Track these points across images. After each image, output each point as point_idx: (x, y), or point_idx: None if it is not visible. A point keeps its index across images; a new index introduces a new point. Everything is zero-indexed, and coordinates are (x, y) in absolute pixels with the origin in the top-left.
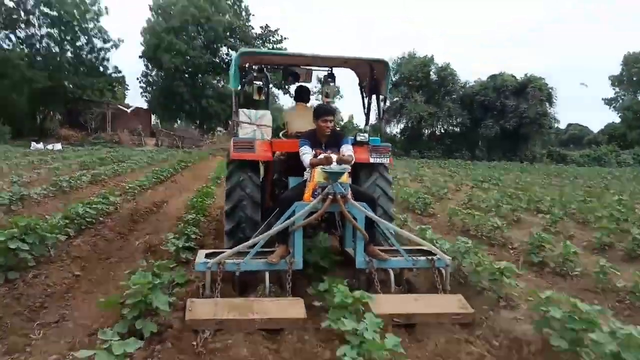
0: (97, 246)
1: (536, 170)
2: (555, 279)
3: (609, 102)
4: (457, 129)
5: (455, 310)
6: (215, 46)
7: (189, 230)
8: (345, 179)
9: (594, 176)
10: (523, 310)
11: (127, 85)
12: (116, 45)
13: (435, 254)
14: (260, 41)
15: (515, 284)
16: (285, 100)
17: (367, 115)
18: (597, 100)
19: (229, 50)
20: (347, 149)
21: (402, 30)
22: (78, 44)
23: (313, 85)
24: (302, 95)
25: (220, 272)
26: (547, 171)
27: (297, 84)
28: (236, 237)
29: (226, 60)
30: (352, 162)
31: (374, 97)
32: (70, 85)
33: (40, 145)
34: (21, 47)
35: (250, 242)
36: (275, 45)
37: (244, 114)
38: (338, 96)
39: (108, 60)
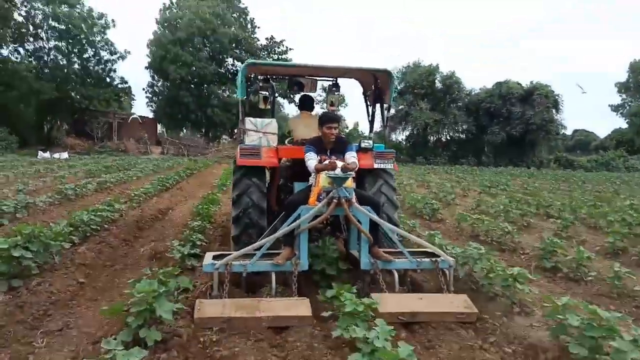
0: (102, 253)
1: (543, 175)
2: (568, 284)
3: (615, 108)
4: (463, 136)
5: (460, 309)
6: (220, 57)
7: (194, 237)
8: (350, 183)
9: (602, 181)
10: (538, 316)
11: (134, 96)
12: (123, 57)
13: (439, 256)
14: (266, 52)
15: (529, 290)
16: (290, 109)
17: (372, 123)
18: (602, 107)
19: (235, 61)
20: (350, 156)
21: (402, 30)
22: (85, 56)
23: (318, 94)
24: (306, 104)
25: (227, 273)
26: (555, 176)
27: (302, 94)
28: (243, 242)
29: (232, 70)
30: (356, 168)
31: (378, 105)
32: (77, 96)
33: (47, 154)
34: (29, 59)
35: (256, 244)
36: (280, 56)
37: (250, 122)
38: (343, 104)
39: (115, 71)
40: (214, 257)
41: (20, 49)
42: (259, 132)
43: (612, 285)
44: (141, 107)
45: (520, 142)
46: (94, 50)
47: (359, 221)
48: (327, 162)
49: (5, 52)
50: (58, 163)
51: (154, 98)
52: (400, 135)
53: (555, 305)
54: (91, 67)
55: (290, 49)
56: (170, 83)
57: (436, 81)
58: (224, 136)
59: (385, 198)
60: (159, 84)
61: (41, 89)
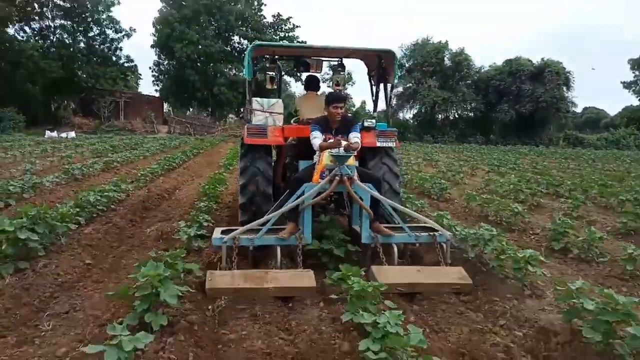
0: (108, 234)
1: (553, 154)
2: (580, 265)
3: (628, 85)
4: (471, 114)
5: (455, 280)
6: (227, 35)
7: (200, 218)
8: (352, 161)
9: (612, 159)
10: (549, 299)
11: (140, 74)
12: (128, 35)
13: (437, 230)
14: (272, 30)
15: (541, 273)
16: (297, 88)
17: (375, 102)
18: (613, 84)
19: (241, 39)
20: (354, 136)
21: (402, 30)
22: (91, 34)
23: (324, 73)
24: (312, 84)
25: (235, 247)
26: (565, 155)
27: (308, 74)
28: (250, 211)
29: (238, 48)
30: (358, 148)
31: (382, 85)
32: (84, 75)
33: (54, 134)
34: (35, 38)
35: (262, 219)
36: (287, 34)
37: (256, 102)
38: (350, 82)
39: (120, 49)
40: (222, 232)
41: (26, 28)
42: (266, 112)
43: (624, 267)
44: (147, 86)
45: (529, 120)
46: (99, 28)
47: (360, 198)
48: (331, 140)
49: (11, 31)
50: (65, 142)
51: (160, 77)
52: (407, 114)
53: (568, 289)
54: (97, 46)
55: (297, 27)
56: (176, 62)
57: (445, 58)
58: (230, 115)
59: (386, 168)
60: (165, 63)
61: (47, 68)
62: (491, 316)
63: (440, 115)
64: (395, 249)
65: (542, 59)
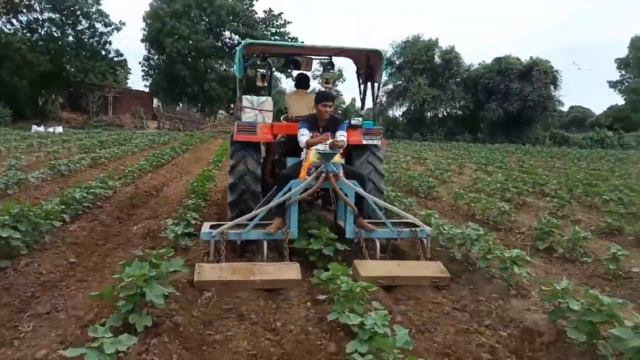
0: (94, 232)
1: (539, 152)
2: (564, 265)
3: (614, 84)
4: (460, 112)
5: (434, 274)
6: (218, 30)
7: (188, 215)
8: (338, 159)
9: (597, 159)
10: (534, 298)
11: (129, 69)
12: (118, 29)
13: (418, 226)
14: (264, 25)
15: (526, 273)
16: (288, 84)
17: (363, 100)
18: (599, 83)
19: (232, 34)
20: (340, 134)
21: (401, 29)
22: (79, 27)
23: (315, 70)
24: (302, 82)
25: (223, 241)
26: (551, 153)
27: (298, 72)
28: (239, 208)
29: (229, 44)
30: (344, 146)
31: (369, 84)
32: (72, 69)
33: (41, 129)
34: (23, 31)
35: (250, 214)
36: (278, 29)
37: (246, 99)
38: (341, 79)
39: (110, 43)
40: (211, 227)
41: (14, 21)
42: (255, 110)
43: (607, 266)
44: (137, 81)
45: (516, 118)
46: (88, 22)
47: (345, 194)
48: (319, 137)
49: None
50: (52, 137)
51: (150, 72)
52: (397, 111)
53: (554, 289)
54: (85, 40)
55: (289, 22)
56: (167, 56)
57: (435, 56)
58: (220, 111)
59: (371, 167)
60: (155, 58)
61: (35, 61)
62: (477, 316)
63: (429, 113)
64: (378, 244)
65: (531, 57)
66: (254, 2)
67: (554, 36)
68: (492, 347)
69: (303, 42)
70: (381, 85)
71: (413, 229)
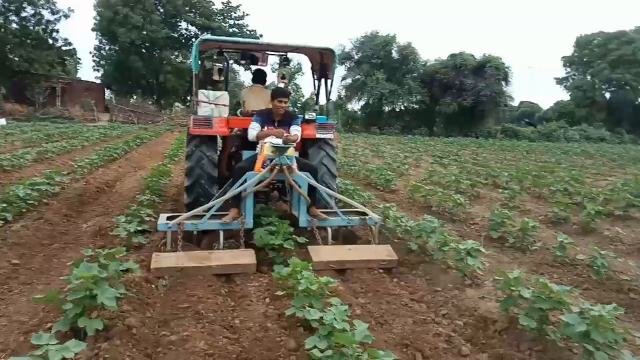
0: (39, 231)
1: (491, 145)
2: (515, 254)
3: (560, 81)
4: (417, 106)
5: (382, 257)
6: (174, 21)
7: (142, 212)
8: (291, 152)
9: (544, 151)
10: (488, 287)
11: (79, 59)
12: (66, 16)
13: (367, 214)
14: (222, 17)
15: (480, 264)
16: (247, 76)
17: (317, 95)
18: (548, 80)
19: (189, 25)
20: (294, 129)
21: (361, 24)
22: (24, 14)
23: (275, 63)
24: (258, 77)
25: (180, 231)
26: (502, 146)
27: (255, 67)
28: (195, 192)
29: (185, 35)
30: (297, 140)
31: (323, 80)
32: (16, 58)
33: None
34: None
35: (206, 205)
36: (236, 21)
37: (203, 94)
38: (300, 73)
39: (57, 32)
40: (168, 218)
41: None
42: (212, 104)
43: (555, 254)
44: (88, 72)
45: (470, 113)
46: (33, 8)
47: (299, 185)
48: (266, 130)
49: None
50: None
51: (101, 62)
52: (356, 105)
53: (506, 278)
54: (31, 27)
55: (247, 15)
56: (119, 47)
57: (393, 51)
58: (176, 103)
59: (325, 169)
60: (107, 48)
61: None
62: (434, 306)
63: (387, 107)
64: (330, 231)
65: (484, 54)
66: None
67: (506, 34)
68: (448, 336)
69: (262, 35)
70: (340, 80)
71: (362, 217)
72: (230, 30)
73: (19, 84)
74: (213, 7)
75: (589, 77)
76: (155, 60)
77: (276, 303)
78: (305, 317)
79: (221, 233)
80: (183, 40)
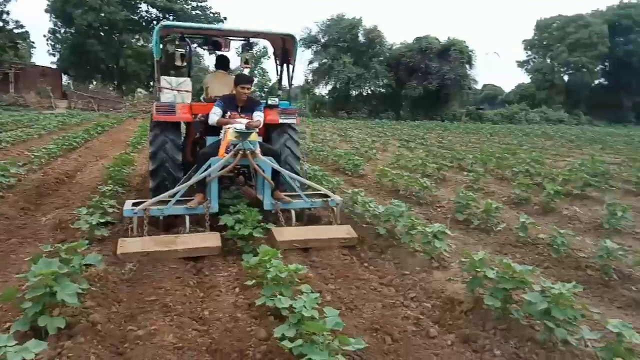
0: None
1: (456, 128)
2: (480, 235)
3: (521, 64)
4: (383, 90)
5: (342, 235)
6: (133, 2)
7: (105, 203)
8: (254, 137)
9: (507, 133)
10: (455, 269)
11: (33, 43)
12: None
13: (329, 196)
14: None
15: (447, 246)
16: (211, 60)
17: (280, 81)
18: (511, 63)
19: (149, 7)
20: (257, 115)
21: (327, 6)
22: None
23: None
24: (221, 63)
25: (146, 216)
26: (467, 129)
27: (218, 53)
28: (160, 176)
29: (146, 17)
30: (260, 125)
31: (286, 66)
32: None
33: None
34: None
35: (171, 191)
36: (199, 3)
37: (165, 80)
38: (266, 57)
39: (8, 13)
40: (133, 204)
41: None
42: (174, 90)
43: (517, 234)
44: (43, 57)
45: (435, 96)
46: None
47: (263, 170)
48: (228, 116)
49: None
50: None
51: (57, 46)
52: (323, 90)
53: (472, 260)
54: None
55: None
56: (76, 30)
57: (359, 35)
58: (139, 89)
59: (289, 151)
60: (62, 31)
61: None
62: (402, 290)
63: (354, 92)
64: (293, 213)
65: (449, 37)
66: None
67: (470, 17)
68: (416, 319)
69: (226, 17)
70: (306, 64)
71: (325, 199)
72: (193, 12)
73: None
74: None
75: (548, 60)
76: (114, 43)
77: (246, 293)
78: (276, 305)
79: (187, 218)
80: (144, 23)
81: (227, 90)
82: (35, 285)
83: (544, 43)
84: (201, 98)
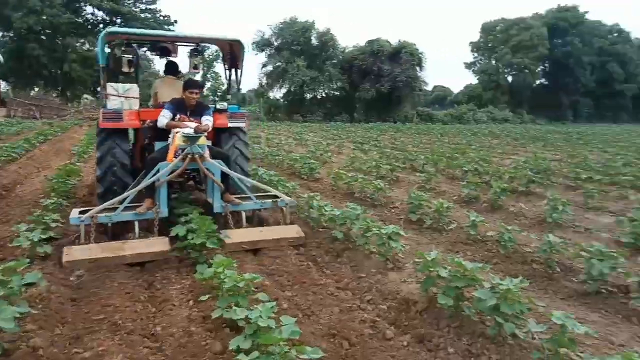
0: None
1: (408, 129)
2: (433, 234)
3: (469, 66)
4: (337, 93)
5: (290, 235)
6: (77, 5)
7: (47, 218)
8: (203, 141)
9: (456, 133)
10: (409, 270)
11: None
12: None
13: (279, 197)
14: (132, 1)
15: (401, 247)
16: (162, 64)
17: (229, 85)
18: (459, 64)
19: (95, 9)
20: (206, 119)
21: (279, 10)
22: None
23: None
24: (170, 69)
25: (93, 224)
26: (418, 130)
27: (167, 59)
28: (108, 199)
29: (91, 20)
30: (208, 129)
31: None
32: None
33: None
34: None
35: (119, 197)
36: (148, 6)
37: (111, 87)
38: (218, 60)
39: None
40: (80, 212)
41: None
42: (121, 97)
43: (468, 232)
44: None
45: (388, 98)
46: None
47: (212, 173)
48: (177, 119)
49: None
50: None
51: None
52: (278, 93)
53: (425, 260)
54: None
55: None
56: (15, 33)
57: (312, 38)
58: (85, 95)
59: (238, 152)
60: (0, 35)
61: None
62: (359, 293)
63: (308, 95)
64: (243, 215)
65: (399, 40)
66: None
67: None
68: (373, 322)
69: (176, 21)
70: (260, 67)
71: (274, 199)
72: (142, 15)
73: None
74: None
75: (493, 62)
76: (58, 48)
77: (200, 305)
78: (231, 316)
79: (136, 223)
80: (89, 27)
81: (176, 96)
82: None
83: (489, 45)
84: (149, 104)
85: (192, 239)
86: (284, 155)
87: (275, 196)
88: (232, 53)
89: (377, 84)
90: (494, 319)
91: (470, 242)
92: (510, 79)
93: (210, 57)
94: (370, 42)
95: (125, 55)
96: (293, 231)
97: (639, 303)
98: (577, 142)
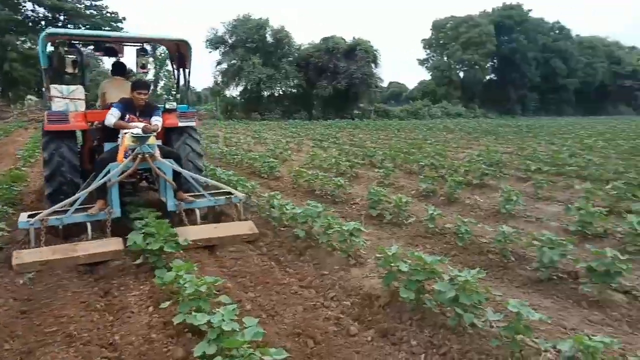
0: None
1: (366, 125)
2: (393, 229)
3: (422, 62)
4: (295, 91)
5: (244, 232)
6: (15, 1)
7: None
8: (153, 141)
9: (412, 129)
10: (371, 265)
11: None
12: None
13: (232, 194)
14: None
15: (363, 243)
16: (110, 64)
17: (177, 84)
18: (413, 61)
19: (35, 6)
20: (155, 120)
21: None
22: None
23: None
24: (118, 69)
25: (43, 227)
26: (375, 126)
27: (115, 60)
28: (58, 199)
29: (32, 17)
30: (158, 129)
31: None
32: None
33: None
34: None
35: (70, 199)
36: (93, 2)
37: (55, 89)
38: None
39: None
40: (29, 216)
41: None
42: (66, 99)
43: (427, 226)
44: None
45: (345, 95)
46: None
47: (164, 172)
48: (126, 121)
49: None
50: None
51: None
52: (234, 91)
53: (386, 255)
54: None
55: None
56: None
57: (267, 35)
58: (29, 96)
59: (190, 149)
60: None
61: None
62: (322, 290)
63: (266, 93)
64: (198, 213)
65: (354, 37)
66: None
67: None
68: (337, 319)
69: (124, 18)
70: (215, 65)
71: (228, 196)
72: (87, 12)
73: None
74: None
75: (445, 58)
76: None
77: (160, 311)
78: (192, 322)
79: (89, 225)
80: (30, 24)
81: (125, 96)
82: None
83: (441, 42)
84: (97, 105)
85: (150, 243)
86: (242, 154)
87: (229, 193)
88: (180, 53)
89: (333, 81)
90: (454, 310)
91: (429, 235)
92: (461, 74)
93: (162, 55)
94: (325, 39)
95: (69, 56)
96: (246, 227)
97: (588, 288)
98: (526, 134)
